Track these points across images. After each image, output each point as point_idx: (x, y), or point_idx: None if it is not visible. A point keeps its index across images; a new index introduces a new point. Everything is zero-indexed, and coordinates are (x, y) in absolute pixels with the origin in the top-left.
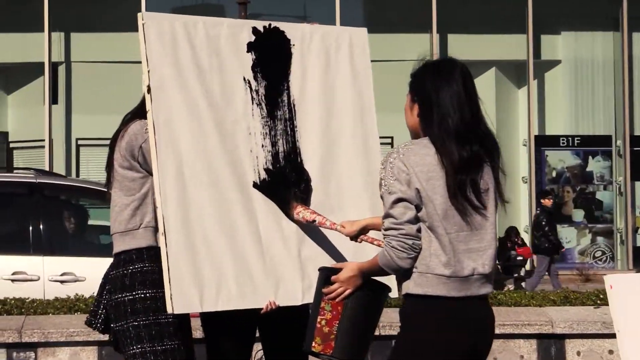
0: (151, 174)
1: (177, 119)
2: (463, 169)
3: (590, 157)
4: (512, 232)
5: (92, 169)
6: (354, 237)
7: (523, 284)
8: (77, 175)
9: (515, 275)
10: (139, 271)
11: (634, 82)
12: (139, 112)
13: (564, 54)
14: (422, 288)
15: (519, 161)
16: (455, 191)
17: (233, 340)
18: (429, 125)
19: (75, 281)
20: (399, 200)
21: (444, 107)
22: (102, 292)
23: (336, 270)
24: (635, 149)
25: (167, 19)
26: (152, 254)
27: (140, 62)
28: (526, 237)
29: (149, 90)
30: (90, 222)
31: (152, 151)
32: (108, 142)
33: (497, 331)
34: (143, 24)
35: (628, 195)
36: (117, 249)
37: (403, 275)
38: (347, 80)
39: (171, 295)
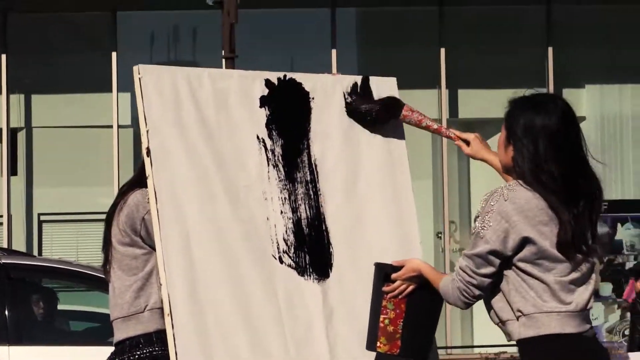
0: (155, 250)
1: (181, 184)
2: (569, 223)
3: (619, 224)
4: None
5: (55, 247)
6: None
7: None
8: (40, 254)
9: None
10: (148, 356)
11: None
12: (138, 181)
13: (589, 109)
14: (534, 330)
15: None
16: (564, 240)
17: None
18: (525, 167)
19: None
20: (487, 252)
21: (545, 149)
22: None
23: (394, 268)
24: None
25: (168, 72)
26: (162, 337)
27: (110, 127)
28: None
29: (148, 153)
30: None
31: (154, 222)
32: (73, 217)
33: None
34: (140, 79)
35: None
36: (119, 336)
37: (506, 322)
38: (374, 136)
39: None
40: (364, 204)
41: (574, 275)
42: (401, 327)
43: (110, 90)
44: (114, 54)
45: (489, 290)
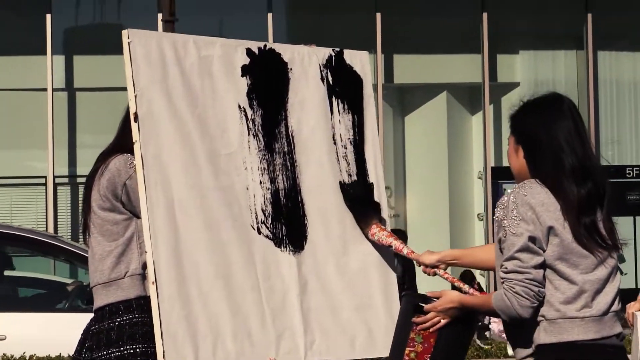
0: (135, 216)
1: (167, 151)
2: (585, 210)
3: None
4: (467, 276)
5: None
6: (431, 267)
7: (488, 333)
8: None
9: (479, 323)
10: (128, 323)
11: (600, 106)
12: (119, 145)
13: (523, 75)
14: (556, 336)
15: (473, 196)
16: (582, 234)
17: None
18: (540, 166)
19: None
20: (528, 240)
21: (557, 144)
22: (82, 350)
23: (426, 299)
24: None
25: (155, 38)
26: (141, 304)
27: (45, 90)
28: (482, 281)
29: (135, 119)
30: (7, 273)
31: (141, 188)
32: (6, 180)
33: None
34: (129, 43)
35: None
36: (99, 302)
37: (526, 326)
38: (348, 109)
39: (164, 352)
40: (336, 176)
41: (601, 271)
42: None
43: (45, 53)
44: (48, 16)
45: (545, 286)
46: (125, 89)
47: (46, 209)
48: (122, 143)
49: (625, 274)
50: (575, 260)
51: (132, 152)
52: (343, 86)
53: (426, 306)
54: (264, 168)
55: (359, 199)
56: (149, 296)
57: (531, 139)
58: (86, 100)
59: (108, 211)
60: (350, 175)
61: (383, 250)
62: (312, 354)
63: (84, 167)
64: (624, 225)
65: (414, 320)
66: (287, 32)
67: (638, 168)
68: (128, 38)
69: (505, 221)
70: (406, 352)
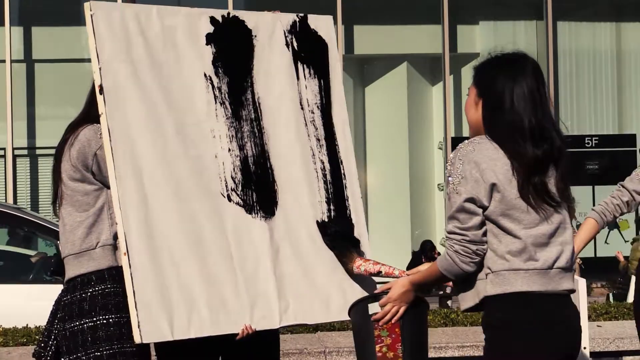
0: (106, 186)
1: (134, 122)
2: (536, 170)
3: None
4: (427, 246)
5: None
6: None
7: (449, 302)
8: None
9: (441, 292)
10: (100, 294)
11: (559, 76)
12: (88, 116)
13: (483, 46)
14: (501, 287)
15: (433, 166)
16: (529, 192)
17: None
18: (497, 125)
19: None
20: (466, 202)
21: (517, 106)
22: (54, 321)
23: (377, 296)
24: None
25: (118, 9)
26: (113, 274)
27: (3, 62)
28: (442, 251)
29: (101, 91)
30: None
31: (109, 160)
32: None
33: (456, 354)
34: (92, 15)
35: None
36: (71, 273)
37: (472, 279)
38: (314, 74)
39: (139, 322)
40: (305, 142)
41: (545, 227)
42: (401, 350)
43: (3, 24)
44: None
45: (486, 243)
46: (84, 60)
47: (5, 181)
48: (92, 114)
49: None
50: (518, 215)
51: (100, 122)
52: (308, 51)
53: (381, 301)
54: (232, 135)
55: (339, 236)
56: (121, 266)
57: (494, 96)
58: (45, 71)
59: (78, 182)
60: (318, 139)
61: (355, 210)
62: (286, 318)
63: (43, 139)
64: (583, 194)
65: (373, 318)
66: (247, 1)
67: (597, 138)
68: (90, 10)
69: (450, 178)
70: (377, 349)
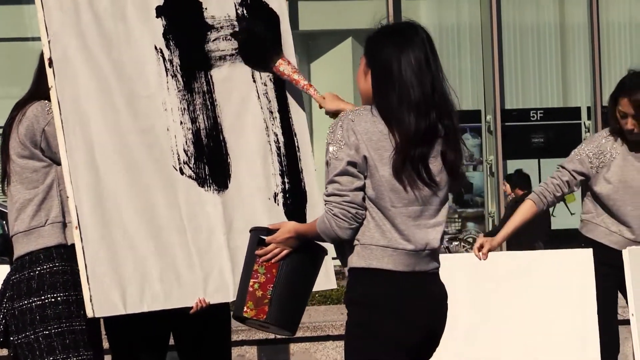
0: (55, 162)
1: (85, 95)
2: (416, 143)
3: None
4: None
5: None
6: (330, 114)
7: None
8: None
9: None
10: (48, 272)
11: (504, 50)
12: (36, 93)
13: (427, 19)
14: (366, 261)
15: None
16: (403, 166)
17: (144, 350)
18: (384, 96)
19: None
20: (348, 165)
21: (404, 77)
22: (2, 300)
23: (270, 231)
24: (506, 124)
25: None
26: (62, 252)
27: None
28: None
29: (50, 64)
30: None
31: (59, 134)
32: None
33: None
34: None
35: (500, 176)
36: (20, 251)
37: (340, 246)
38: (265, 44)
39: (91, 297)
40: (257, 115)
41: (417, 208)
42: (270, 293)
43: None
44: None
45: (365, 209)
46: (35, 39)
47: None
48: (39, 91)
49: None
50: (388, 194)
51: (49, 99)
52: (259, 23)
53: (267, 238)
54: (184, 108)
55: (256, 33)
56: (70, 245)
57: (381, 67)
58: None
59: (27, 159)
60: (271, 112)
61: (308, 182)
62: None
63: None
64: (529, 167)
65: (256, 252)
66: None
67: (542, 111)
68: None
69: (331, 144)
70: (250, 283)
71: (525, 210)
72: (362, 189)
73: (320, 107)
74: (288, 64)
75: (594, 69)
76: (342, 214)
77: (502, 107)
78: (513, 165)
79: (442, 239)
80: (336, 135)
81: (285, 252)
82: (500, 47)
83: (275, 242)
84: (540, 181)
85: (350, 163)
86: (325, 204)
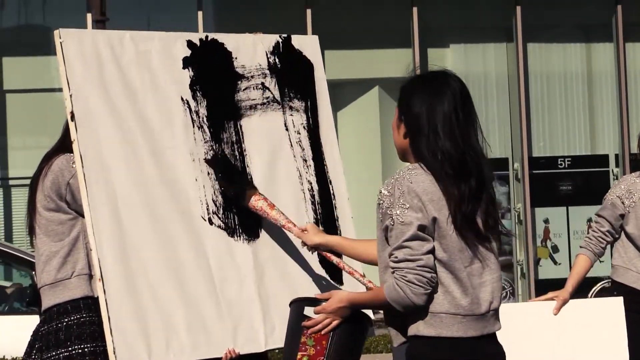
0: (81, 215)
1: (107, 148)
2: (464, 202)
3: None
4: None
5: None
6: (311, 248)
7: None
8: None
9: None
10: (75, 323)
11: (531, 98)
12: (63, 146)
13: (454, 68)
14: (436, 329)
15: None
16: (462, 224)
17: None
18: (419, 150)
19: None
20: (418, 229)
21: (433, 132)
22: (31, 352)
23: (316, 301)
24: (534, 172)
25: (89, 35)
26: (89, 303)
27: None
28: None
29: (72, 118)
30: None
31: (82, 187)
32: None
33: None
34: (61, 43)
35: (528, 224)
36: (47, 303)
37: (410, 314)
38: (299, 94)
39: (114, 348)
40: (290, 164)
41: (479, 265)
42: None
43: None
44: None
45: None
46: (55, 89)
47: None
48: (66, 143)
49: (560, 264)
50: (458, 254)
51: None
52: (293, 72)
53: (315, 308)
54: (210, 159)
55: (229, 173)
56: (97, 296)
57: (411, 121)
58: (16, 102)
59: (53, 211)
60: (305, 160)
61: (345, 232)
62: (272, 341)
63: (15, 170)
64: (557, 215)
65: (304, 324)
66: (218, 28)
67: (569, 159)
68: (60, 38)
69: (391, 209)
70: (298, 356)
71: (581, 265)
72: (432, 251)
73: (302, 243)
74: (264, 200)
75: (621, 116)
76: (417, 279)
77: (530, 155)
78: (541, 213)
79: (501, 296)
80: (396, 198)
81: (336, 322)
82: (527, 95)
83: (326, 312)
84: (569, 230)
85: (420, 227)
86: (394, 272)
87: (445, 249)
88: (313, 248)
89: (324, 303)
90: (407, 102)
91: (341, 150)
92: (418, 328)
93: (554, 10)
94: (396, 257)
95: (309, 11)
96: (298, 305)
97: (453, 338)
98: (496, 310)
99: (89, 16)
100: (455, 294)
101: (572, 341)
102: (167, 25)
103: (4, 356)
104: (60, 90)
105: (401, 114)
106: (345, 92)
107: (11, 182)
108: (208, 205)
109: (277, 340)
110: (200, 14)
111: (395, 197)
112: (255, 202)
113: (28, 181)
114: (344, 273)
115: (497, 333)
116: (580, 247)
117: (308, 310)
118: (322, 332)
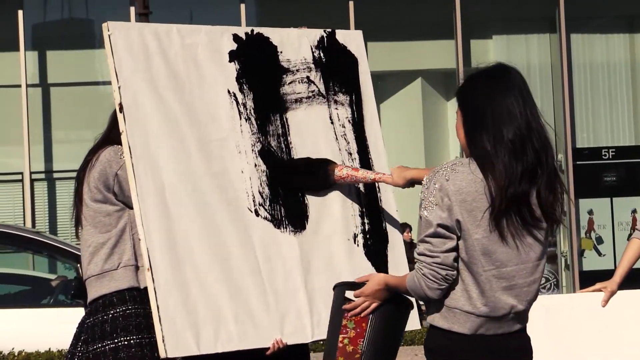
0: (128, 206)
1: (155, 139)
2: (515, 182)
3: None
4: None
5: None
6: (406, 185)
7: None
8: None
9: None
10: (121, 315)
11: (574, 88)
12: (109, 138)
13: (497, 60)
14: (449, 323)
15: None
16: (504, 209)
17: None
18: (477, 141)
19: None
20: (438, 227)
21: (496, 120)
22: (77, 344)
23: (356, 285)
24: (578, 162)
25: (136, 28)
26: (134, 295)
27: (19, 86)
28: None
29: (121, 109)
30: None
31: (130, 178)
32: None
33: None
34: (109, 35)
35: (572, 215)
36: (93, 294)
37: (430, 304)
38: (344, 88)
39: (163, 337)
40: (336, 156)
41: (511, 269)
42: (361, 347)
43: (18, 49)
44: (20, 12)
45: (456, 269)
46: (106, 83)
47: (23, 206)
48: (112, 136)
49: (604, 255)
50: (480, 257)
51: (122, 144)
52: (337, 66)
53: (354, 292)
54: (259, 151)
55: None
56: (143, 288)
57: (472, 113)
58: (60, 95)
59: (100, 203)
60: (350, 153)
61: (390, 222)
62: (319, 332)
63: (59, 163)
64: (601, 206)
65: (344, 307)
66: (260, 22)
67: (613, 149)
68: (108, 30)
69: (423, 202)
70: (340, 339)
71: (635, 246)
72: (454, 249)
73: (394, 185)
74: (347, 166)
75: None
76: (431, 274)
77: (574, 146)
78: (585, 204)
79: (533, 299)
80: (429, 191)
81: (374, 305)
82: (570, 86)
83: (364, 295)
84: (613, 221)
85: (440, 225)
86: (415, 262)
87: (467, 250)
88: (408, 184)
89: (363, 287)
90: (467, 97)
91: (385, 141)
92: (434, 319)
93: (597, 0)
94: (418, 249)
95: (351, 3)
96: (340, 289)
97: (463, 334)
98: (519, 313)
99: (132, 9)
100: (473, 294)
101: (620, 334)
102: (209, 19)
103: (49, 348)
104: (104, 83)
105: (462, 109)
106: (387, 83)
107: (55, 176)
108: (254, 197)
109: (323, 331)
110: (242, 6)
111: (429, 191)
112: (340, 172)
113: (71, 174)
114: (389, 263)
115: (541, 326)
116: (637, 229)
117: (349, 294)
118: (362, 315)
